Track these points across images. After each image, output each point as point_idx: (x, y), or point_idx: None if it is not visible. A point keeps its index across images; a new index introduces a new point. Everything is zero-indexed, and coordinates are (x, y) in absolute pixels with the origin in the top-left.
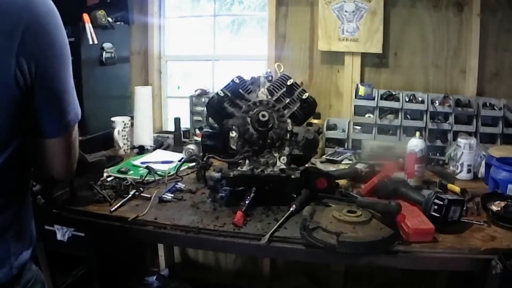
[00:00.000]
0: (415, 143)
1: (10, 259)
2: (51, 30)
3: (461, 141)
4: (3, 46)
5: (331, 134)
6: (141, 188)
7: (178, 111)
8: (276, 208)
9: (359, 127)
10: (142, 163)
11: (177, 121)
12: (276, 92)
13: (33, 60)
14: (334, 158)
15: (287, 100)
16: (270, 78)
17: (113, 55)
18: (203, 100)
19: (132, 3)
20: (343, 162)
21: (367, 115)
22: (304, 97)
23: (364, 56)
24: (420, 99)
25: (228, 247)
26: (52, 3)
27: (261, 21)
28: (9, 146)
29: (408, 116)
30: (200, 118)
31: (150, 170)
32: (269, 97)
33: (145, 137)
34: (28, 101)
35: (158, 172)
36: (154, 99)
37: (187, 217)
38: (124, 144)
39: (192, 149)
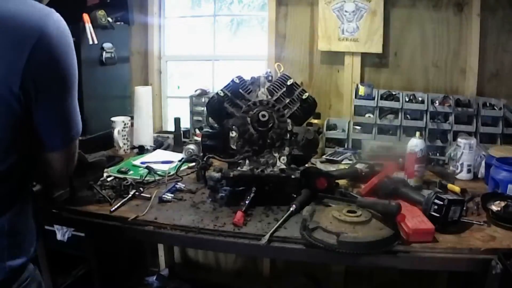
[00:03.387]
0: (415, 143)
1: (4, 263)
2: (60, 54)
3: (461, 141)
4: (10, 61)
5: (331, 134)
6: (141, 188)
7: (178, 111)
8: (276, 208)
9: (359, 127)
10: (142, 163)
11: (177, 121)
12: (276, 92)
13: (37, 80)
14: (334, 158)
15: (287, 100)
16: (270, 78)
17: (113, 55)
18: (203, 100)
19: (132, 3)
20: (343, 162)
21: (367, 115)
22: (304, 97)
23: (364, 56)
24: (420, 99)
25: (228, 247)
26: (65, 24)
27: (261, 21)
28: (8, 158)
29: (408, 116)
30: (200, 118)
31: (150, 170)
32: (269, 97)
33: (145, 137)
34: (28, 117)
35: (158, 172)
36: (154, 99)
37: (187, 217)
38: (124, 144)
39: (192, 149)
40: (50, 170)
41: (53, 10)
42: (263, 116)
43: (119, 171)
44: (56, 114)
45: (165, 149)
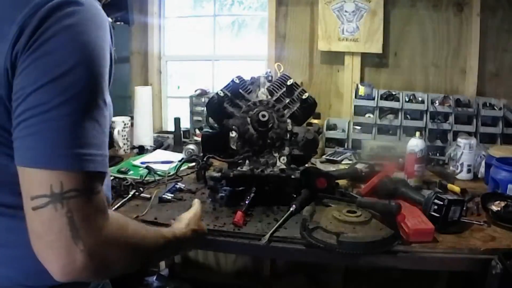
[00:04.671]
0: (415, 143)
1: None
2: (59, 40)
3: (461, 141)
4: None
5: (331, 134)
6: (141, 188)
7: (178, 111)
8: (276, 208)
9: (359, 127)
10: (142, 163)
11: (177, 121)
12: (276, 92)
13: (19, 66)
14: (334, 158)
15: (287, 100)
16: (270, 78)
17: (113, 55)
18: (203, 100)
19: (132, 3)
20: (343, 162)
21: (367, 115)
22: (304, 97)
23: (364, 56)
24: (420, 99)
25: (228, 247)
26: (94, 18)
27: (261, 21)
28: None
29: (408, 116)
30: (200, 118)
31: (150, 170)
32: (269, 97)
33: (145, 137)
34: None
35: (158, 172)
36: (154, 99)
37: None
38: (124, 144)
39: (192, 149)
40: (27, 213)
41: None
42: (263, 116)
43: (119, 171)
44: (36, 120)
45: (165, 149)
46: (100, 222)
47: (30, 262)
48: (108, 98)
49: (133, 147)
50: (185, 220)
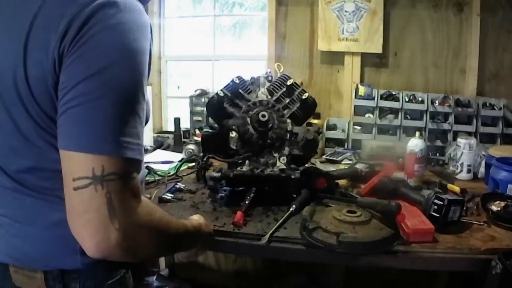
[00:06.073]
0: (415, 143)
1: None
2: (98, 39)
3: (461, 141)
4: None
5: (331, 134)
6: None
7: (178, 111)
8: (276, 208)
9: (359, 127)
10: None
11: (177, 121)
12: (276, 92)
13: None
14: (334, 158)
15: (287, 100)
16: (270, 78)
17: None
18: (203, 100)
19: None
20: (343, 162)
21: (367, 115)
22: (304, 97)
23: (364, 56)
24: (420, 99)
25: (228, 247)
26: (144, 22)
27: (261, 22)
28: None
29: (408, 116)
30: (200, 118)
31: (150, 170)
32: (269, 97)
33: (145, 137)
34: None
35: (158, 172)
36: (154, 99)
37: (187, 217)
38: None
39: (192, 149)
40: (67, 198)
41: None
42: (263, 116)
43: None
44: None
45: (165, 149)
46: (134, 205)
47: (49, 243)
48: (146, 94)
49: None
50: (196, 216)
